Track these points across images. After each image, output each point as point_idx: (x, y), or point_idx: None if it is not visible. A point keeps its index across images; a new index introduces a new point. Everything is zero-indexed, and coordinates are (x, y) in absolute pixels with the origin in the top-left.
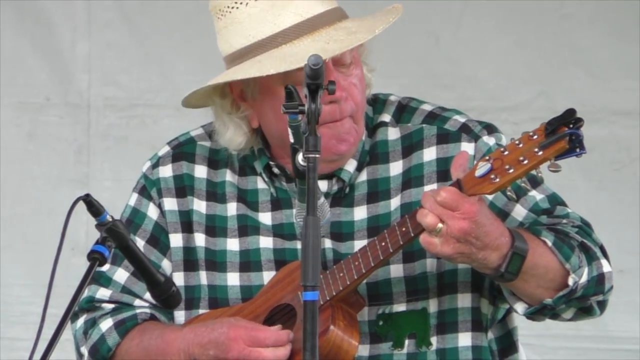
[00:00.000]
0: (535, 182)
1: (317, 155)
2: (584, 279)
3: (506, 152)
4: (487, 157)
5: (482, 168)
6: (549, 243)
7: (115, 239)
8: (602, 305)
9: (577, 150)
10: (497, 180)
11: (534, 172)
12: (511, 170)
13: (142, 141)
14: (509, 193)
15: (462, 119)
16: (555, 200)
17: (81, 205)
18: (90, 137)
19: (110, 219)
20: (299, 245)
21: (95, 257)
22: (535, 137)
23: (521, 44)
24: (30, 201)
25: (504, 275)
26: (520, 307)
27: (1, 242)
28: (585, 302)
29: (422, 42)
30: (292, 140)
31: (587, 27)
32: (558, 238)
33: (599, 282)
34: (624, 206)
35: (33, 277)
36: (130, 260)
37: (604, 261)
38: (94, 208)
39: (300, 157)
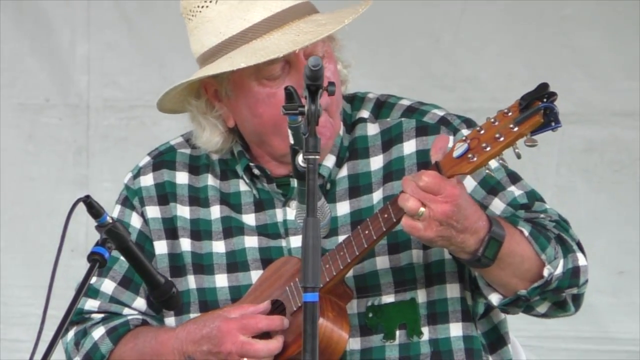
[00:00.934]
0: (515, 179)
1: (317, 157)
2: (559, 270)
3: (482, 131)
4: (464, 137)
5: (460, 149)
6: (526, 233)
7: (115, 240)
8: (577, 301)
9: (553, 124)
10: (475, 159)
11: (511, 149)
12: (488, 148)
13: (142, 142)
14: (487, 172)
15: (440, 113)
16: (533, 196)
17: (81, 207)
18: (90, 138)
19: (110, 220)
20: (283, 243)
21: (96, 259)
22: (509, 113)
23: (521, 45)
24: (30, 202)
25: (481, 260)
26: (494, 297)
27: (1, 244)
28: (560, 295)
29: (422, 43)
30: (291, 142)
31: (587, 28)
32: (535, 229)
33: (574, 275)
34: (624, 207)
35: (33, 278)
36: (131, 261)
37: (579, 254)
38: (94, 209)
39: (300, 159)
